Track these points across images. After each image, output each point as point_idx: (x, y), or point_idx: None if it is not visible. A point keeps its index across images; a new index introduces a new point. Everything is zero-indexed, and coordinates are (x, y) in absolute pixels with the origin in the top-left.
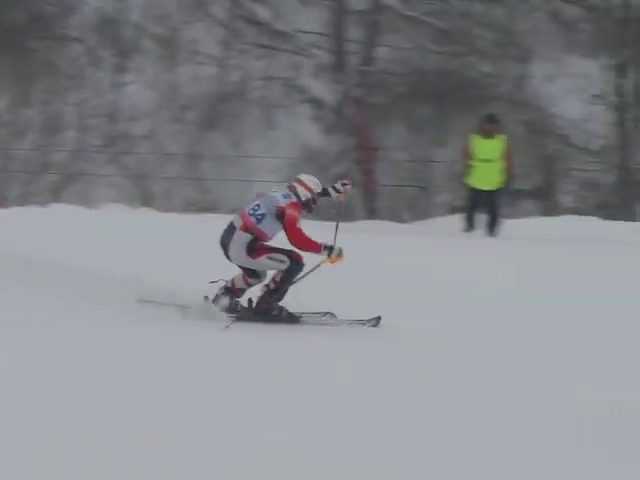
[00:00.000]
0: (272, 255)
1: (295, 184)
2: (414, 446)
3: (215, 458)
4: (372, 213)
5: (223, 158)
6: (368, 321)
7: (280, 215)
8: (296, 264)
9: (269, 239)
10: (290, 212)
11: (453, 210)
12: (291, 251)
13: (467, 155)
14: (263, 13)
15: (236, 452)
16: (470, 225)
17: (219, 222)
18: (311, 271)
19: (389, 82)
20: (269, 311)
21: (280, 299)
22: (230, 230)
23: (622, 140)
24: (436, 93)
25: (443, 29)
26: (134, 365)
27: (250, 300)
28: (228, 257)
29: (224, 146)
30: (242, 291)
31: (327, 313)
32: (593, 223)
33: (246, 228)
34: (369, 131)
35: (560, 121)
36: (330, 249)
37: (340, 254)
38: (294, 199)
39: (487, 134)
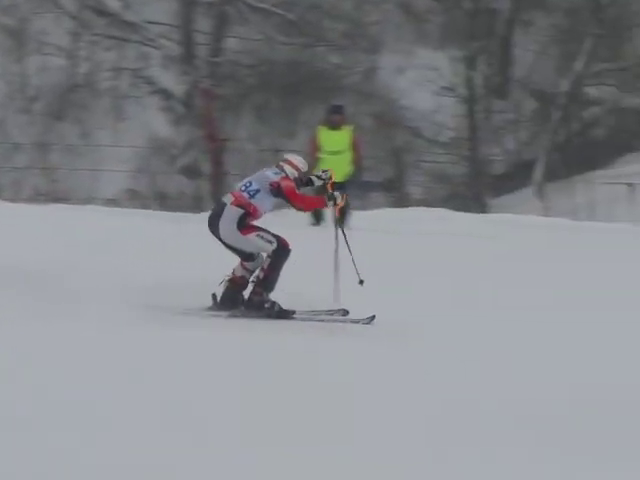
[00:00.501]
0: (261, 234)
1: (282, 163)
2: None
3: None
4: None
5: (72, 148)
6: (363, 320)
7: (274, 190)
8: (283, 249)
9: (260, 215)
10: (286, 183)
11: None
12: (278, 236)
13: (314, 147)
14: (112, 4)
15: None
16: (317, 219)
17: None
18: (348, 245)
19: (238, 73)
20: (262, 303)
21: (271, 289)
22: (218, 208)
23: (471, 132)
24: (286, 84)
25: (292, 20)
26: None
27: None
28: (219, 237)
29: (73, 136)
30: (243, 279)
31: (340, 310)
32: (443, 214)
33: (238, 203)
34: (218, 122)
35: (410, 113)
36: (333, 198)
37: (341, 197)
38: (285, 174)
39: (333, 125)
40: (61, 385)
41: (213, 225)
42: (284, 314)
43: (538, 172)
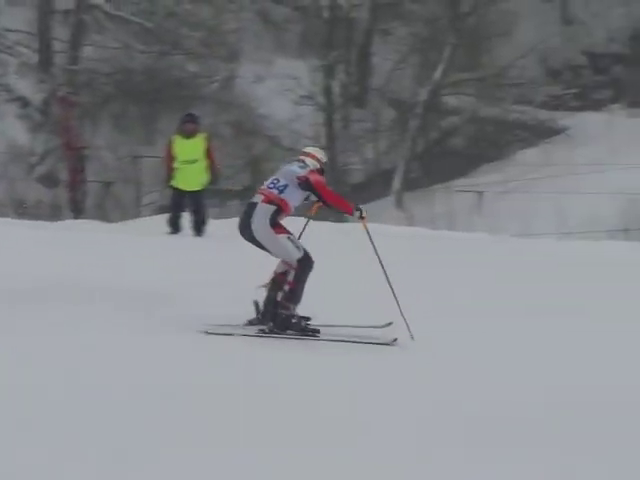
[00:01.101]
0: (292, 237)
1: (303, 157)
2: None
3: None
4: (79, 212)
5: None
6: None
7: (302, 184)
8: (308, 260)
9: (290, 210)
10: (315, 177)
11: (160, 210)
12: (304, 247)
13: (169, 157)
14: None
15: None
16: (175, 228)
17: None
18: (302, 232)
19: (96, 81)
20: (289, 318)
21: (298, 301)
22: (249, 209)
23: (330, 141)
24: (144, 92)
25: (150, 28)
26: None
27: (258, 305)
28: (251, 237)
29: None
30: (284, 275)
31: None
32: (300, 224)
33: (269, 200)
34: (76, 130)
35: (268, 122)
36: (360, 209)
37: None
38: (311, 167)
39: (187, 134)
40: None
41: (244, 226)
42: (310, 332)
43: (397, 181)
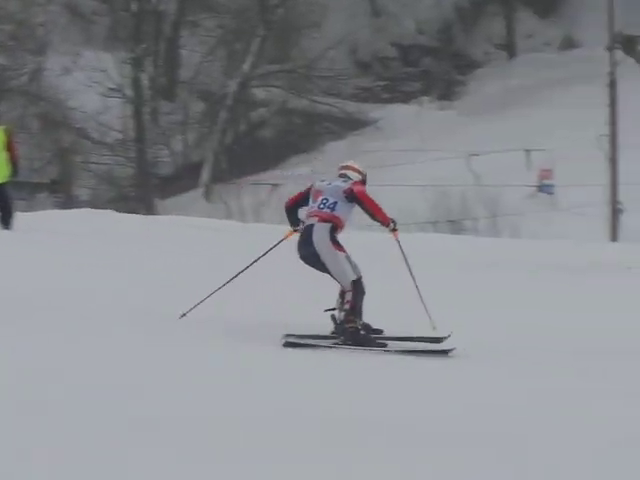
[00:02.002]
0: (350, 258)
1: (344, 171)
2: None
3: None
4: None
5: None
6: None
7: (349, 197)
8: (361, 283)
9: (344, 225)
10: (358, 187)
11: None
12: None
13: None
14: None
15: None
16: (6, 224)
17: None
18: (275, 245)
19: None
20: (357, 331)
21: (360, 315)
22: (307, 231)
23: (138, 133)
24: None
25: None
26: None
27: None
28: (312, 254)
29: None
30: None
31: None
32: (110, 216)
33: (323, 219)
34: None
35: (76, 114)
36: (395, 222)
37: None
38: (354, 179)
39: None
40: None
41: (305, 244)
42: (377, 345)
43: (206, 173)
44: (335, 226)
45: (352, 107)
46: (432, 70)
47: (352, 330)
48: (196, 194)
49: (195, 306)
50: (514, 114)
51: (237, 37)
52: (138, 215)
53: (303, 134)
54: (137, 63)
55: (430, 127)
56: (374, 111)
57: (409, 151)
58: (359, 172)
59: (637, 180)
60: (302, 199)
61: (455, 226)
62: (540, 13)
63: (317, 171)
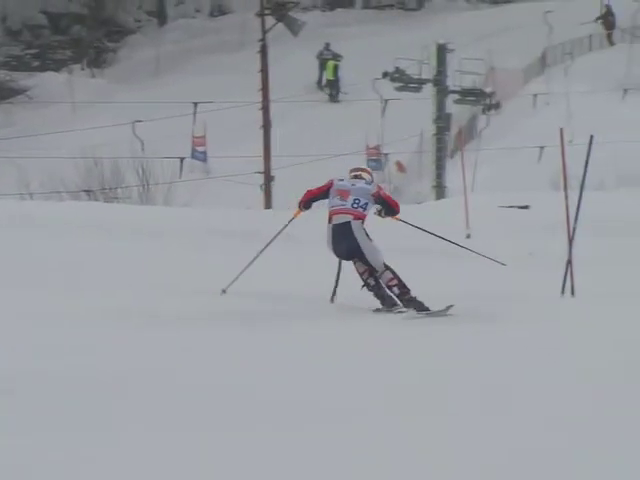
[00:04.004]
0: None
1: (359, 173)
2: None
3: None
4: None
5: None
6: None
7: (376, 199)
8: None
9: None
10: (383, 191)
11: None
12: None
13: None
14: None
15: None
16: None
17: None
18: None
19: None
20: (415, 299)
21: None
22: (345, 228)
23: None
24: None
25: None
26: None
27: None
28: (351, 248)
29: None
30: (368, 269)
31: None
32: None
33: (357, 218)
34: None
35: None
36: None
37: None
38: (375, 182)
39: None
40: None
41: (345, 242)
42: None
43: None
44: (363, 222)
45: (2, 75)
46: (83, 38)
47: (411, 299)
48: None
49: (233, 281)
50: (167, 81)
51: None
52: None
53: None
54: None
55: (82, 95)
56: (25, 79)
57: (61, 120)
58: (370, 174)
59: (288, 151)
60: (321, 194)
61: (109, 194)
62: None
63: None
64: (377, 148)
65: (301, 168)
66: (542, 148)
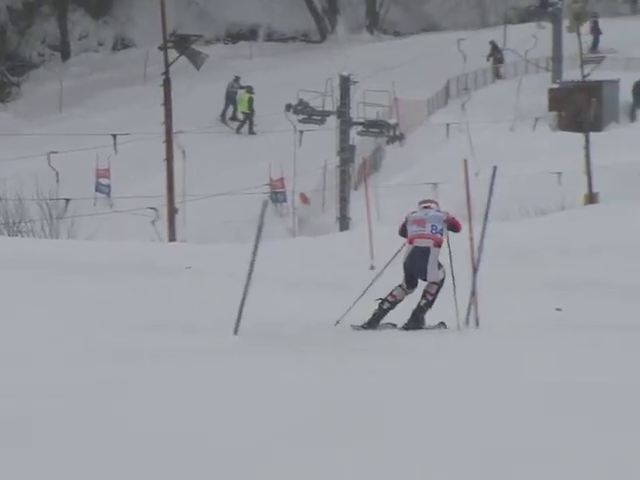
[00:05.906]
0: (443, 267)
1: (429, 204)
2: None
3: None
4: None
5: None
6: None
7: (449, 226)
8: (444, 279)
9: None
10: (454, 218)
11: None
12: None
13: None
14: None
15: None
16: None
17: None
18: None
19: None
20: (424, 319)
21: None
22: (425, 253)
23: None
24: None
25: None
26: None
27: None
28: (422, 277)
29: None
30: (400, 301)
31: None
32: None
33: (437, 244)
34: None
35: None
36: None
37: None
38: (444, 210)
39: None
40: None
41: (420, 262)
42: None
43: None
44: (441, 246)
45: None
46: None
47: (422, 317)
48: None
49: (346, 312)
50: (71, 114)
51: None
52: None
53: None
54: None
55: None
56: None
57: None
58: (437, 204)
59: (194, 184)
60: (403, 230)
61: (13, 229)
62: (93, 14)
63: None
64: (281, 181)
65: (209, 201)
66: (436, 184)
